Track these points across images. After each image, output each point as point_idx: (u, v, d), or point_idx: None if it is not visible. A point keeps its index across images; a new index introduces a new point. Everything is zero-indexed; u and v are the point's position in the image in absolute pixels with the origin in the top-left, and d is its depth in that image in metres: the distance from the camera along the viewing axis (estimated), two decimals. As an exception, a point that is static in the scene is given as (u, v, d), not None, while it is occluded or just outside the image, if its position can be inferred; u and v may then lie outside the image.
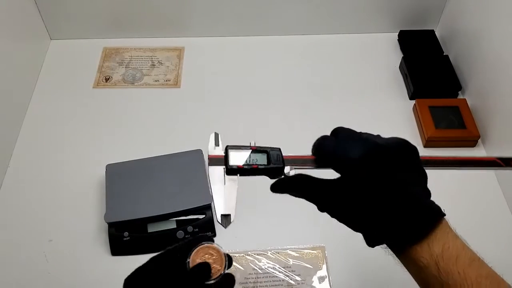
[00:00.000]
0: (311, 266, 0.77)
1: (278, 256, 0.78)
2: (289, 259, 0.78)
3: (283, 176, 0.48)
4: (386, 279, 0.76)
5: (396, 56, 1.10)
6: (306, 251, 0.79)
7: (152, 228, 0.77)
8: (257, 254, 0.78)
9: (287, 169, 0.48)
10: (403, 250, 0.44)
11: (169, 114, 0.99)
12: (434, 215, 0.43)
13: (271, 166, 0.48)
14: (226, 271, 0.48)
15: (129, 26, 1.12)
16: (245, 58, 1.10)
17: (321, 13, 1.11)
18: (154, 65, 1.09)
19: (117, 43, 1.12)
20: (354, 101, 1.02)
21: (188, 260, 0.48)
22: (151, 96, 1.02)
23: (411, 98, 1.02)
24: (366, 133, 0.47)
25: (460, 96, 1.02)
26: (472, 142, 0.94)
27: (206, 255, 0.49)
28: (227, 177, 0.49)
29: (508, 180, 0.86)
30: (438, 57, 1.07)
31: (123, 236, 0.76)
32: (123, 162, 0.83)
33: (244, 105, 1.01)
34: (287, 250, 0.79)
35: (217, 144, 0.51)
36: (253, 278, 0.76)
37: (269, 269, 0.77)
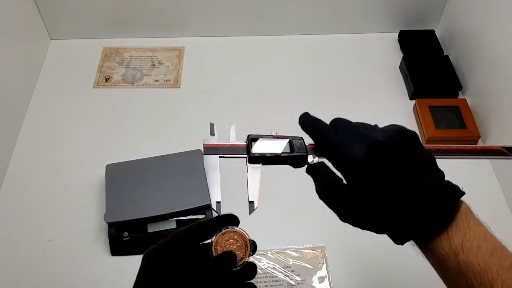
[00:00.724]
0: (311, 266, 0.77)
1: (278, 256, 0.78)
2: (289, 259, 0.78)
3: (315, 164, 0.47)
4: (386, 278, 0.76)
5: (396, 56, 1.10)
6: (306, 251, 0.79)
7: (152, 228, 0.77)
8: (257, 254, 0.78)
9: (310, 158, 0.48)
10: (427, 244, 0.42)
11: (169, 114, 0.99)
12: (450, 201, 0.42)
13: (294, 154, 0.48)
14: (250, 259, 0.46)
15: (129, 26, 1.12)
16: (245, 58, 1.10)
17: (321, 13, 1.11)
18: (154, 65, 1.09)
19: (117, 43, 1.12)
20: (354, 101, 1.01)
21: (212, 241, 0.46)
22: (151, 96, 1.02)
23: (411, 98, 1.02)
24: (363, 126, 0.46)
25: (460, 96, 1.02)
26: (472, 142, 0.93)
27: (231, 240, 0.46)
28: (250, 165, 0.48)
29: (507, 174, 0.86)
30: (438, 57, 1.07)
31: (123, 236, 0.76)
32: (123, 162, 0.83)
33: (244, 105, 1.01)
34: (287, 250, 0.79)
35: (212, 133, 0.51)
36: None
37: (269, 269, 0.77)
